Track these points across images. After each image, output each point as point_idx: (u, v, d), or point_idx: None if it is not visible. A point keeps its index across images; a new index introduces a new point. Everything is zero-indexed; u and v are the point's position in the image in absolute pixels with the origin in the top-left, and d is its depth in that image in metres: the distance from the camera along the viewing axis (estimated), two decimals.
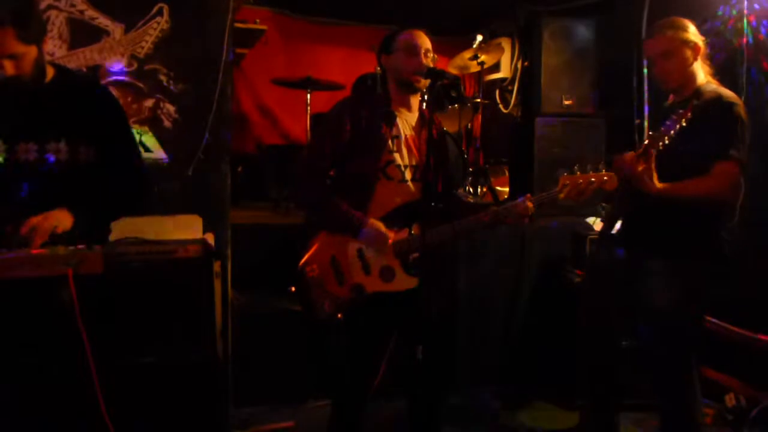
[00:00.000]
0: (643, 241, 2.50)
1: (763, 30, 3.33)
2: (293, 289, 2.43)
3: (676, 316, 2.42)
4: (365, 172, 2.40)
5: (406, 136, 2.46)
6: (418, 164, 2.46)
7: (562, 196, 2.28)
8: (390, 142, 2.42)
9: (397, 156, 2.43)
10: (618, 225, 2.66)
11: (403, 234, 2.38)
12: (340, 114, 2.42)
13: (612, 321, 2.63)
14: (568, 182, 2.26)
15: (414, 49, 2.41)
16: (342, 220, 2.35)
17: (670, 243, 2.43)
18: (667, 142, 2.20)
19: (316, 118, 4.33)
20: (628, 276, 2.53)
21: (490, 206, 2.53)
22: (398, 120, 2.46)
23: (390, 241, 2.34)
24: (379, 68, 2.54)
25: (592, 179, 2.24)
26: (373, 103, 2.47)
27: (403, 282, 2.35)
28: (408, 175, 2.45)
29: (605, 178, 2.24)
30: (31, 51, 1.96)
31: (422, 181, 2.43)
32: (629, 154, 2.27)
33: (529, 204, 2.30)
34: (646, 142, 2.24)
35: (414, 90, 2.46)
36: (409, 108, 2.51)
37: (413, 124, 2.51)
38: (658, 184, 2.25)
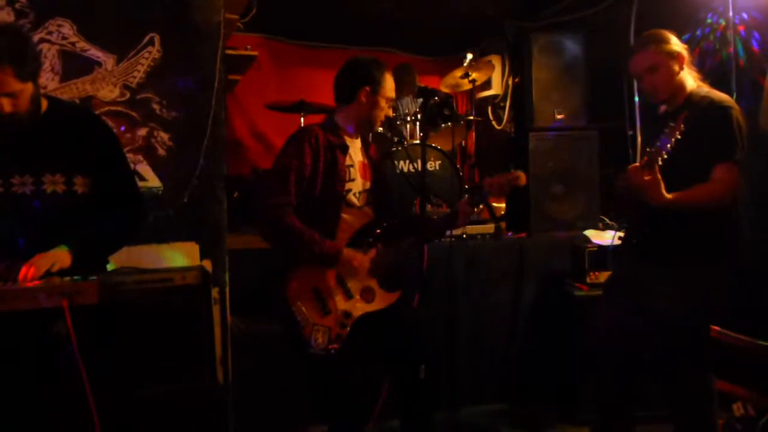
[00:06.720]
0: (659, 250, 2.46)
1: (753, 42, 3.36)
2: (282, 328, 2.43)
3: (694, 324, 2.40)
4: (330, 201, 2.47)
5: (357, 162, 2.57)
6: (369, 189, 2.60)
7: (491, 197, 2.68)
8: (347, 171, 2.52)
9: (353, 184, 2.53)
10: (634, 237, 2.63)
11: (373, 254, 2.46)
12: (300, 147, 2.45)
13: (632, 334, 2.57)
14: (492, 183, 2.61)
15: (391, 101, 2.57)
16: (318, 251, 2.36)
17: (685, 250, 2.40)
18: (665, 157, 2.19)
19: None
20: (646, 287, 2.49)
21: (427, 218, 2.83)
22: (350, 148, 2.56)
23: (365, 263, 2.42)
24: (344, 93, 2.57)
25: (508, 177, 2.61)
26: (329, 134, 2.53)
27: (383, 299, 2.45)
28: (362, 200, 2.57)
29: (516, 174, 2.61)
30: (28, 88, 1.96)
31: (373, 203, 2.60)
32: (634, 166, 2.28)
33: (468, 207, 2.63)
34: (646, 159, 2.23)
35: (373, 130, 2.65)
36: (357, 135, 2.64)
37: (359, 147, 2.63)
38: (666, 195, 2.24)
